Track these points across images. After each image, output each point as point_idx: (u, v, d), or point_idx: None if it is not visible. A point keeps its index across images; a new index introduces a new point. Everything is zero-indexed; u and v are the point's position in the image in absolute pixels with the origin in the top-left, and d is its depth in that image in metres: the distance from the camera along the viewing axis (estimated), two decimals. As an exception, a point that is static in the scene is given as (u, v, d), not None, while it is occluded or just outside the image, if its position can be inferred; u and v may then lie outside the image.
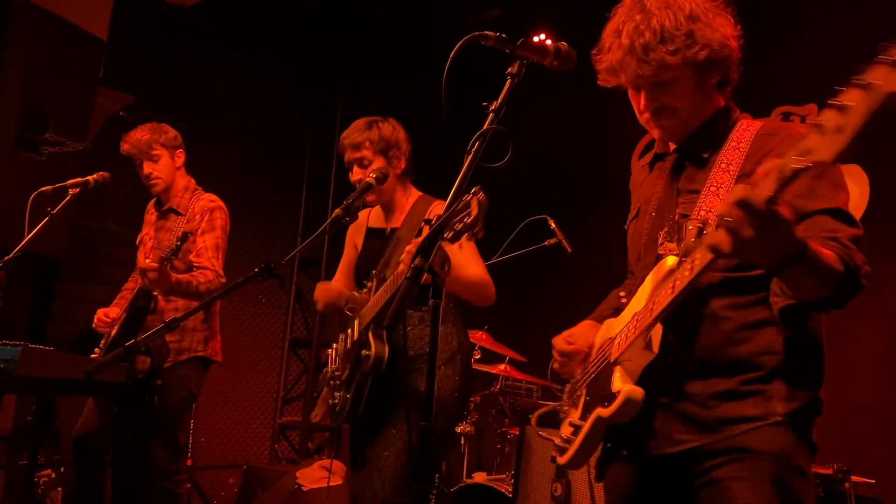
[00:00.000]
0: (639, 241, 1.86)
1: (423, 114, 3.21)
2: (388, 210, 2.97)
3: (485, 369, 4.30)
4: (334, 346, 2.92)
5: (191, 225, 3.64)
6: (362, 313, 2.71)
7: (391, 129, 2.90)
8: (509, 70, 1.74)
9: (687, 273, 1.48)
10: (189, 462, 4.43)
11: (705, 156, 1.72)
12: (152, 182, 3.69)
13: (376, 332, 2.56)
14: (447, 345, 2.73)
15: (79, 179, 3.30)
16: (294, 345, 6.37)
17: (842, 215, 1.55)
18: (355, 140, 2.88)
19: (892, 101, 1.08)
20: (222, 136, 5.61)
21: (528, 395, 4.72)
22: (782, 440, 1.56)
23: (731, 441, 1.57)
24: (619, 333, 1.72)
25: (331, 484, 4.55)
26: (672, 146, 1.84)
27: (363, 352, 2.56)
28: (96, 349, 3.54)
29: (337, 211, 2.56)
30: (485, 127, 1.67)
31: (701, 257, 1.43)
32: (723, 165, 1.65)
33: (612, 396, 1.64)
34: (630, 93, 1.79)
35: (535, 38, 1.78)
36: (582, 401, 1.81)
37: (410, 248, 2.06)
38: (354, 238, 3.11)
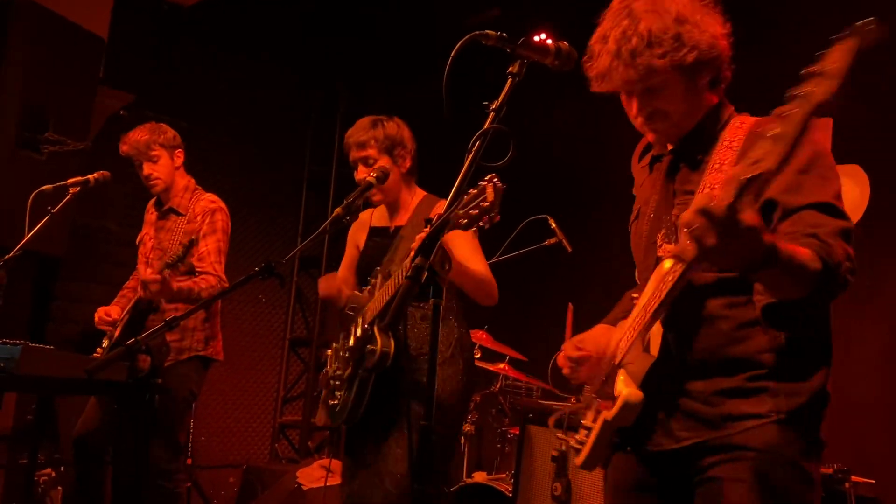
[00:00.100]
0: (640, 242, 1.87)
1: (423, 113, 3.21)
2: (393, 209, 2.96)
3: (486, 367, 4.30)
4: (333, 345, 2.91)
5: (192, 226, 3.64)
6: (365, 310, 2.70)
7: (396, 127, 2.90)
8: (510, 69, 1.74)
9: (669, 278, 1.49)
10: (189, 461, 4.44)
11: (700, 157, 1.72)
12: (152, 183, 3.69)
13: (382, 327, 2.53)
14: (448, 345, 2.73)
15: (79, 178, 3.29)
16: (294, 344, 6.38)
17: (829, 208, 1.53)
18: (360, 139, 2.87)
19: (822, 108, 1.16)
20: (222, 136, 5.61)
21: (528, 394, 4.72)
22: (783, 438, 1.55)
23: (732, 439, 1.57)
24: (623, 336, 1.73)
25: (331, 483, 4.55)
26: (669, 146, 1.84)
27: (368, 346, 2.54)
28: (98, 349, 3.55)
29: (337, 210, 2.56)
30: (485, 126, 1.67)
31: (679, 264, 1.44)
32: (716, 166, 1.65)
33: (615, 400, 1.65)
34: (622, 98, 1.79)
35: (536, 38, 1.79)
36: (594, 403, 1.82)
37: (422, 235, 2.04)
38: (356, 237, 3.11)
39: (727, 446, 1.57)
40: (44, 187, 3.22)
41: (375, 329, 2.55)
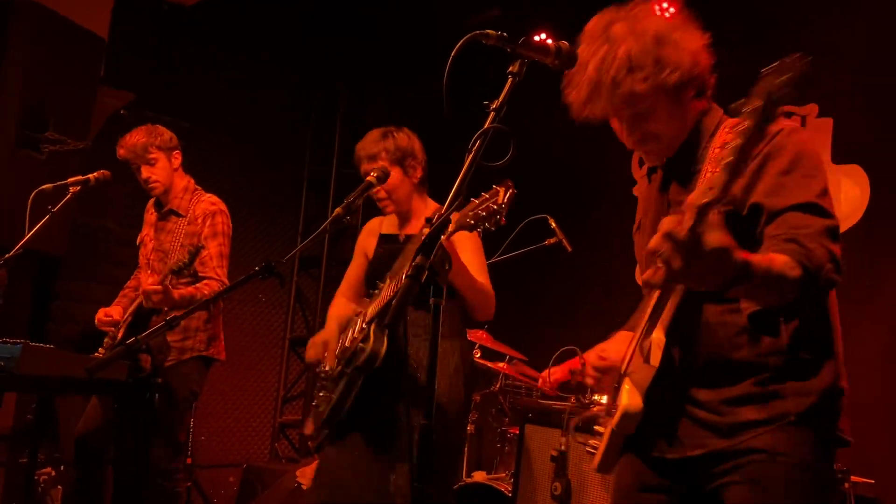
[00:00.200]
0: (642, 253, 1.88)
1: (423, 113, 3.22)
2: (405, 219, 2.96)
3: (487, 365, 4.31)
4: (334, 347, 2.89)
5: (192, 228, 3.63)
6: (366, 310, 2.70)
7: (406, 138, 2.90)
8: (510, 69, 1.74)
9: (652, 301, 1.50)
10: (189, 461, 4.44)
11: (690, 169, 1.72)
12: (151, 186, 3.67)
13: (379, 327, 2.52)
14: (450, 361, 2.71)
15: (79, 178, 3.29)
16: (294, 344, 6.38)
17: (812, 208, 1.53)
18: (371, 151, 2.87)
19: (755, 139, 1.23)
20: (222, 136, 5.61)
21: (527, 394, 4.73)
22: (795, 441, 1.55)
23: (743, 445, 1.57)
24: (628, 345, 1.74)
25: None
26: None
27: (360, 344, 2.53)
28: (100, 349, 3.55)
29: (337, 210, 2.55)
30: (486, 126, 1.67)
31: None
32: (707, 175, 1.65)
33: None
34: (611, 121, 1.81)
35: (536, 38, 1.79)
36: (612, 410, 1.83)
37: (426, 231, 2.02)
38: (365, 245, 3.08)
39: (739, 452, 1.57)
40: (44, 187, 3.22)
41: (372, 328, 2.53)
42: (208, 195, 3.77)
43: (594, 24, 1.74)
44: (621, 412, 1.64)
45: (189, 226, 3.66)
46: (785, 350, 1.59)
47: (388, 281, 2.69)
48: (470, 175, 1.65)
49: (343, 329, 2.80)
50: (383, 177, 2.78)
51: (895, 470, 3.58)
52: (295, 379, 6.39)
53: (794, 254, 1.45)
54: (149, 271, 3.70)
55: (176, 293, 3.33)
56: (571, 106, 1.78)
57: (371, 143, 2.89)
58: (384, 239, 3.02)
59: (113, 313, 3.60)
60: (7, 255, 3.08)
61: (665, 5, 4.50)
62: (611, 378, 1.86)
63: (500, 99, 1.71)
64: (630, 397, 1.63)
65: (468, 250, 2.69)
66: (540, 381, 3.99)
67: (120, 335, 3.50)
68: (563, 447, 3.43)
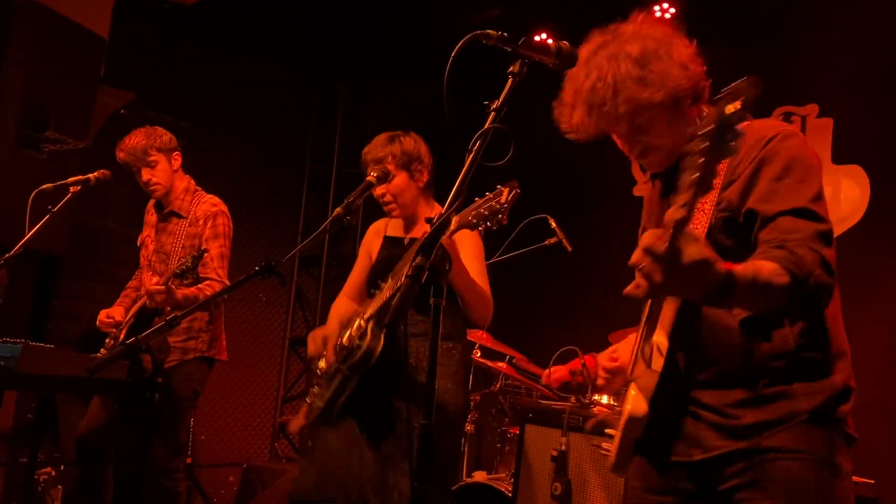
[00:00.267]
0: None
1: (424, 113, 3.22)
2: (410, 222, 2.97)
3: (488, 363, 4.31)
4: (331, 346, 2.88)
5: (194, 229, 3.64)
6: (366, 308, 2.70)
7: (413, 142, 2.91)
8: (510, 69, 1.74)
9: (647, 305, 1.51)
10: (189, 460, 4.44)
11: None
12: (152, 188, 3.67)
13: (377, 326, 2.52)
14: (450, 363, 2.72)
15: (79, 177, 3.29)
16: (294, 343, 6.38)
17: (804, 213, 1.54)
18: (378, 155, 2.88)
19: (714, 158, 1.24)
20: (222, 136, 5.61)
21: (527, 394, 4.73)
22: (808, 438, 1.56)
23: (758, 445, 1.58)
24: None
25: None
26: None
27: (357, 342, 2.53)
28: (102, 349, 3.55)
29: (338, 210, 2.55)
30: (486, 126, 1.67)
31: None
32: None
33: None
34: (613, 136, 1.83)
35: (537, 38, 1.80)
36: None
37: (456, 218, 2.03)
38: (370, 246, 3.10)
39: (752, 453, 1.58)
40: (44, 186, 3.22)
41: (370, 326, 2.53)
42: (209, 196, 3.77)
43: (584, 49, 1.77)
44: (626, 417, 1.66)
45: (190, 227, 3.66)
46: (792, 352, 1.59)
47: (389, 281, 2.69)
48: (470, 175, 1.65)
49: (344, 327, 2.81)
50: (383, 176, 2.79)
51: (895, 470, 3.58)
52: (295, 379, 6.39)
53: (783, 260, 1.46)
54: (150, 273, 3.70)
55: (179, 293, 3.34)
56: (563, 131, 1.81)
57: (378, 147, 2.90)
58: (388, 241, 3.03)
59: (115, 314, 3.60)
60: (7, 255, 3.08)
61: (666, 6, 4.49)
62: (621, 380, 1.87)
63: (501, 99, 1.71)
64: (635, 402, 1.65)
65: (469, 254, 2.70)
66: (543, 377, 4.00)
67: (122, 336, 3.50)
68: (563, 447, 3.43)
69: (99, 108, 4.37)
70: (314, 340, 2.81)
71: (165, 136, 3.69)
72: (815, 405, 1.57)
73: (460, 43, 1.69)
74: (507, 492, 3.72)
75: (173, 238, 3.67)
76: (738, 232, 1.62)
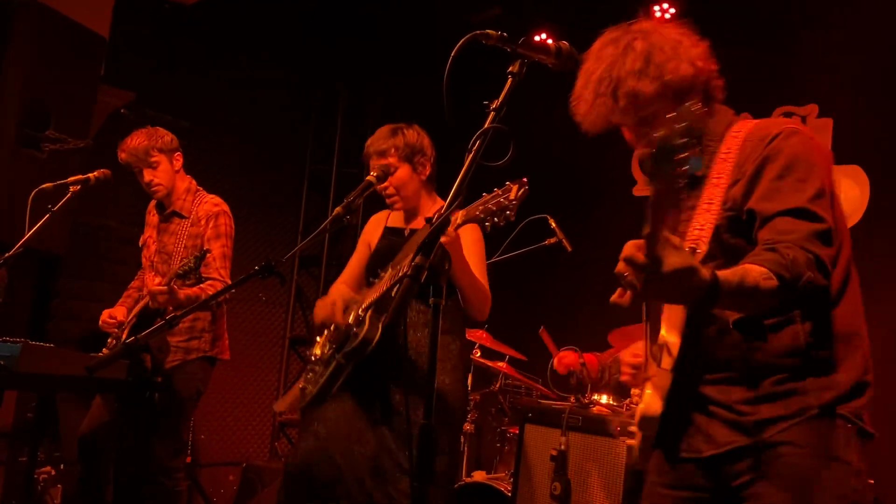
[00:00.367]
0: None
1: (424, 113, 3.22)
2: (412, 215, 2.98)
3: (487, 363, 4.31)
4: (325, 331, 2.86)
5: (195, 229, 3.64)
6: (363, 298, 2.68)
7: (416, 135, 2.91)
8: (510, 69, 1.74)
9: (644, 318, 1.54)
10: (188, 459, 4.44)
11: (698, 174, 1.73)
12: (153, 189, 3.67)
13: (376, 315, 2.51)
14: (449, 357, 2.72)
15: (80, 176, 3.30)
16: (294, 343, 6.38)
17: (801, 213, 1.54)
18: (381, 147, 2.87)
19: (675, 191, 1.25)
20: (222, 136, 5.61)
21: (527, 394, 4.73)
22: (818, 433, 1.57)
23: (769, 439, 1.59)
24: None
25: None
26: None
27: (354, 329, 2.52)
28: (104, 349, 3.55)
29: (338, 209, 2.56)
30: (486, 125, 1.67)
31: None
32: (713, 180, 1.68)
33: None
34: (622, 130, 1.84)
35: (537, 38, 1.80)
36: None
37: (457, 215, 2.02)
38: (370, 237, 3.10)
39: (763, 448, 1.59)
40: (44, 185, 3.23)
41: (368, 315, 2.53)
42: (211, 196, 3.77)
43: (596, 43, 1.79)
44: (639, 416, 1.69)
45: (192, 227, 3.66)
46: (803, 349, 1.60)
47: (389, 270, 2.69)
48: (470, 175, 1.65)
49: (345, 308, 2.80)
50: (383, 176, 2.79)
51: (895, 470, 3.58)
52: (295, 378, 6.39)
53: (772, 263, 1.46)
54: (152, 273, 3.71)
55: (182, 294, 3.34)
56: (579, 124, 1.82)
57: (381, 139, 2.89)
58: (389, 231, 3.03)
59: (117, 314, 3.60)
60: (7, 254, 3.08)
61: (666, 6, 4.50)
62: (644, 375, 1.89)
63: (501, 99, 1.71)
64: (648, 401, 1.68)
65: (471, 250, 2.70)
66: (554, 361, 4.02)
67: (124, 336, 3.51)
68: (562, 447, 3.43)
69: (99, 108, 4.37)
70: (323, 307, 2.77)
71: (167, 137, 3.69)
72: (825, 400, 1.58)
73: (460, 43, 1.70)
74: (506, 491, 3.72)
75: (175, 238, 3.67)
76: (743, 231, 1.62)
